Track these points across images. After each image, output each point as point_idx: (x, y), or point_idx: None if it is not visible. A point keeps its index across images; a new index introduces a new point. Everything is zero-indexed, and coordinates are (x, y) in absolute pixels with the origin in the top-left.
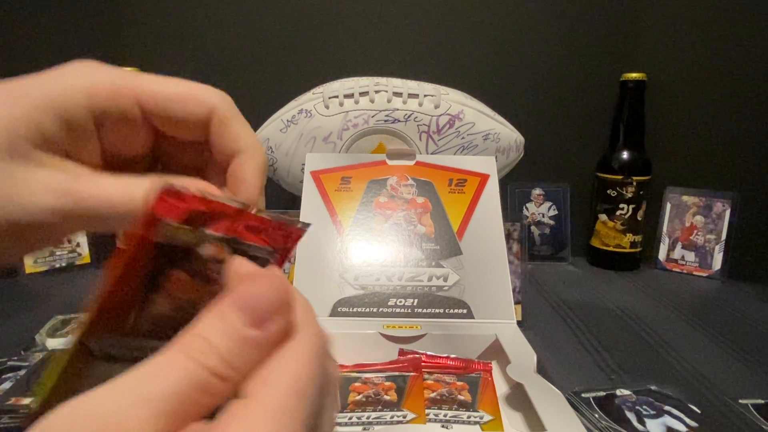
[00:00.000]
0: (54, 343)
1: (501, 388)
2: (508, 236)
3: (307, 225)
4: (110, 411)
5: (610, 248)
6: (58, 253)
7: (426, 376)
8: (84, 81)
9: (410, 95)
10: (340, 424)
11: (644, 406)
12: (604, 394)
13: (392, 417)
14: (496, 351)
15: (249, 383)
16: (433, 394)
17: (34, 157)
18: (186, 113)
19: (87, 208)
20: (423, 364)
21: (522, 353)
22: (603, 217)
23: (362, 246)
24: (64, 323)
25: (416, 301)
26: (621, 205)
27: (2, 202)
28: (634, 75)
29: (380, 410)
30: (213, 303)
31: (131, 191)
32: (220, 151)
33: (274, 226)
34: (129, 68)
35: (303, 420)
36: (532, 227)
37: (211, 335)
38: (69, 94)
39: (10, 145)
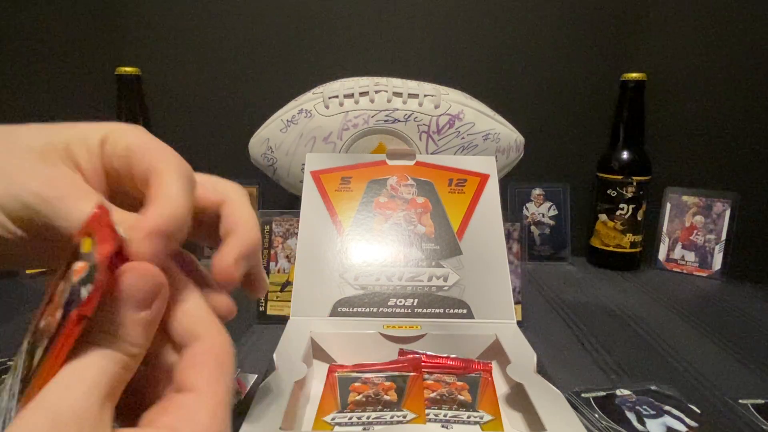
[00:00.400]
0: None
1: (501, 388)
2: (508, 236)
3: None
4: (65, 407)
5: (610, 248)
6: None
7: (426, 376)
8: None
9: (410, 95)
10: (340, 424)
11: (644, 406)
12: (604, 394)
13: (392, 417)
14: (496, 351)
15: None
16: (433, 394)
17: None
18: (205, 199)
19: None
20: (423, 364)
21: (522, 353)
22: (603, 217)
23: (362, 246)
24: None
25: (416, 301)
26: (621, 205)
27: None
28: (634, 75)
29: (380, 410)
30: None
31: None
32: (224, 229)
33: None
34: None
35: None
36: (532, 227)
37: (112, 328)
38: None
39: None
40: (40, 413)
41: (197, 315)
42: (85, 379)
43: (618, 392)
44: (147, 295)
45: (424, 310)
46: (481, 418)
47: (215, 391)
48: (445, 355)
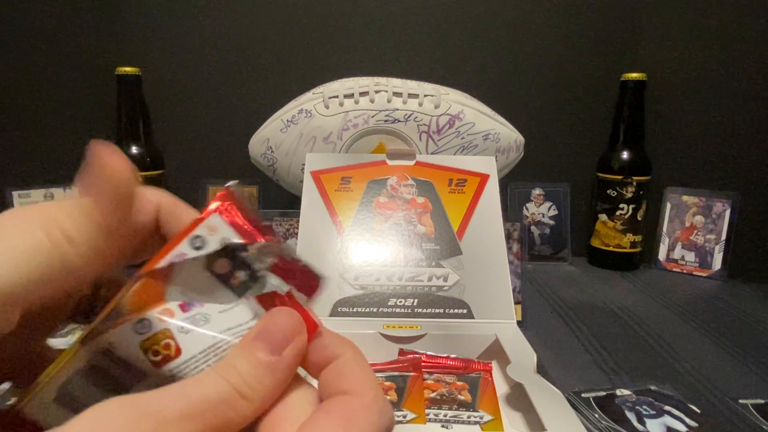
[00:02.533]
0: (55, 343)
1: (501, 388)
2: (508, 236)
3: (325, 280)
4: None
5: (610, 248)
6: None
7: (426, 376)
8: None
9: (410, 95)
10: None
11: (644, 406)
12: (604, 394)
13: None
14: (496, 351)
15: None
16: (433, 394)
17: None
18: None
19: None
20: (423, 364)
21: (522, 353)
22: (603, 217)
23: (362, 246)
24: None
25: (416, 301)
26: (621, 205)
27: None
28: (634, 75)
29: None
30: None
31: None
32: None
33: (300, 269)
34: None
35: None
36: (532, 227)
37: (235, 362)
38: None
39: None
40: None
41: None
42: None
43: (618, 392)
44: (282, 340)
45: (424, 310)
46: (481, 418)
47: (375, 391)
48: (445, 355)
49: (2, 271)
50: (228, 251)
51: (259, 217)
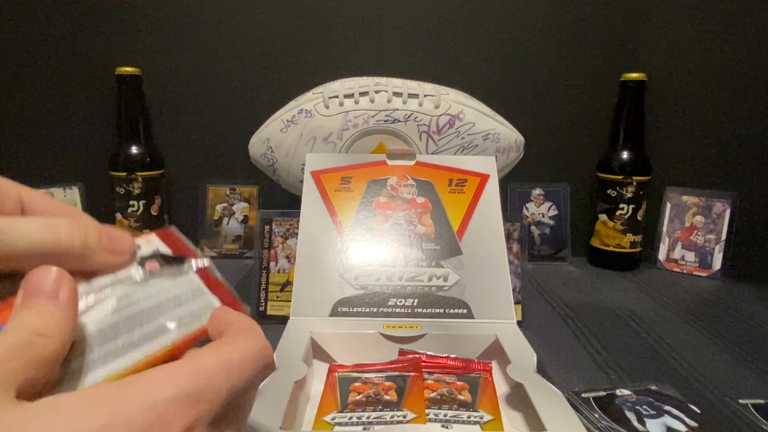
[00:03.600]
0: None
1: (501, 388)
2: (508, 236)
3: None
4: None
5: (610, 248)
6: None
7: (426, 376)
8: None
9: (410, 95)
10: (340, 424)
11: (644, 406)
12: (604, 394)
13: (392, 417)
14: (496, 351)
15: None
16: (433, 394)
17: None
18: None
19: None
20: (423, 364)
21: (522, 353)
22: (603, 217)
23: (362, 246)
24: None
25: (416, 301)
26: (621, 205)
27: None
28: (634, 75)
29: (380, 410)
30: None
31: (54, 229)
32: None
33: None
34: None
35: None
36: (532, 227)
37: (25, 317)
38: None
39: None
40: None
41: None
42: None
43: (618, 392)
44: (50, 287)
45: (424, 310)
46: (481, 418)
47: (257, 332)
48: (445, 355)
49: None
50: (159, 256)
51: (193, 248)
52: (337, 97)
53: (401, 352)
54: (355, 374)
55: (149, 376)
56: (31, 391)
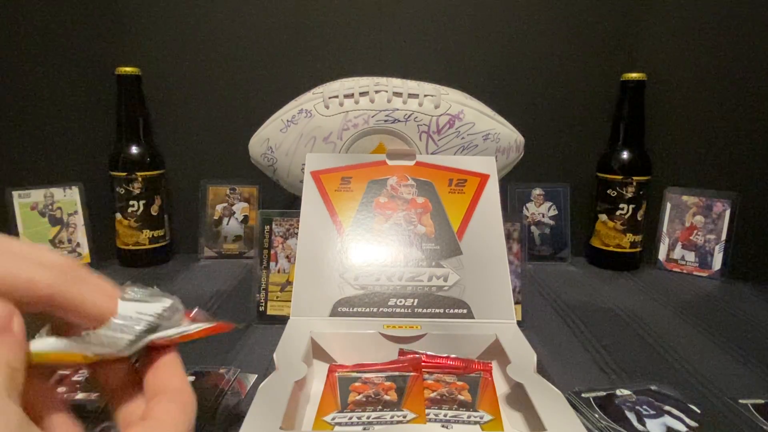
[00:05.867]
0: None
1: (501, 388)
2: (508, 236)
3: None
4: None
5: (610, 248)
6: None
7: (426, 376)
8: None
9: (410, 95)
10: (340, 424)
11: (644, 406)
12: (604, 394)
13: (392, 417)
14: (496, 351)
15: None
16: (433, 394)
17: None
18: None
19: None
20: (423, 364)
21: (522, 353)
22: (603, 217)
23: (362, 246)
24: None
25: (416, 301)
26: (621, 205)
27: None
28: (634, 75)
29: (380, 410)
30: None
31: None
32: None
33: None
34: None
35: None
36: (532, 227)
37: None
38: None
39: None
40: None
41: (171, 371)
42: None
43: (618, 392)
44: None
45: (424, 310)
46: (481, 418)
47: (184, 391)
48: (445, 355)
49: None
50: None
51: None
52: (337, 97)
53: (401, 352)
54: (355, 374)
55: None
56: None
